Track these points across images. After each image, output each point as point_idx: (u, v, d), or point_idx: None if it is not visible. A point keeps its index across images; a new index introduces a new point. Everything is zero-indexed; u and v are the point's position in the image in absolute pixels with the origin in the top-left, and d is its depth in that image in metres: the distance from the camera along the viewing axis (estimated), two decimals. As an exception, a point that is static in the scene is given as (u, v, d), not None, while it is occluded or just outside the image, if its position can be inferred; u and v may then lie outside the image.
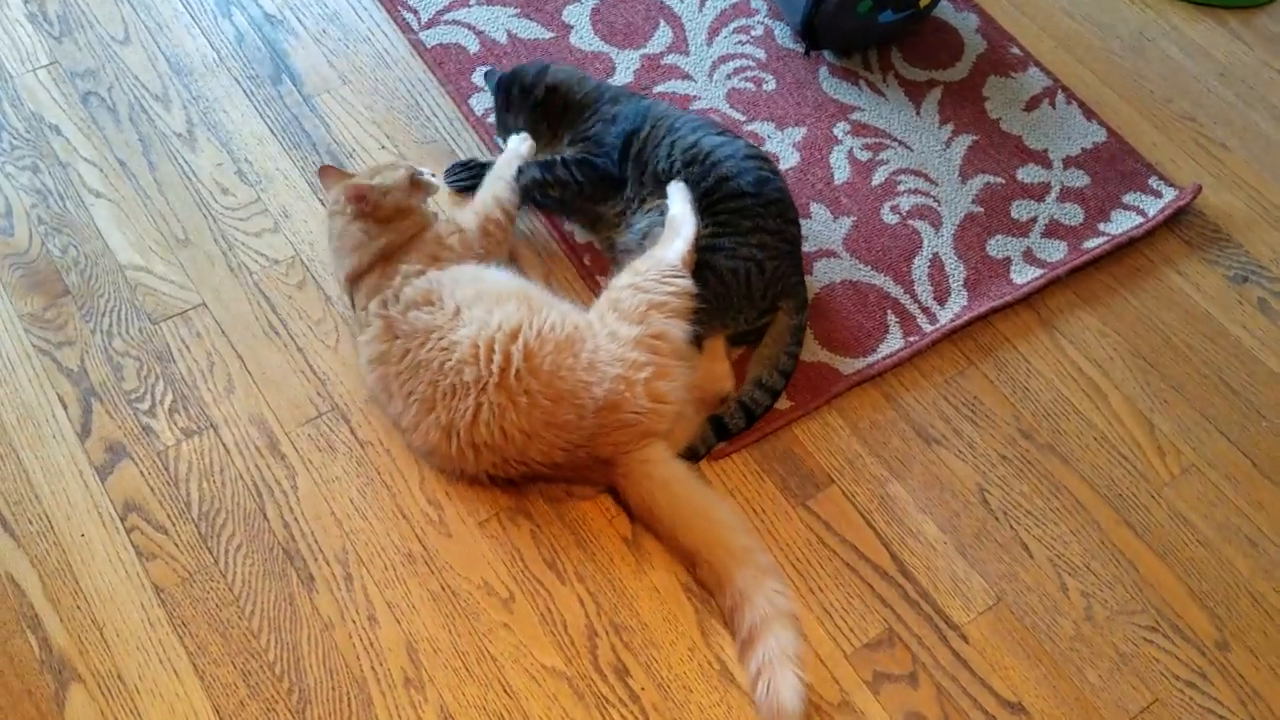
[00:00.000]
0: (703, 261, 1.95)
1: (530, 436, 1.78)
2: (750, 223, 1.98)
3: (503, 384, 1.77)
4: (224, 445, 1.93)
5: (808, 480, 1.95)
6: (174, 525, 1.86)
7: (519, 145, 2.14)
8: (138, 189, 2.21)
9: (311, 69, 2.40)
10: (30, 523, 1.85)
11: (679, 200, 1.98)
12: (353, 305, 1.98)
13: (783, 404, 2.02)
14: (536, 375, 1.78)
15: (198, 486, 1.89)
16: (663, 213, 2.00)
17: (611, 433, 1.80)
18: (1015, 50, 2.52)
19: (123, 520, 1.86)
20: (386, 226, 1.94)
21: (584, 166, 2.08)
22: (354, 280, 1.95)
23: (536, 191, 2.11)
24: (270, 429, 1.95)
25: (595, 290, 2.11)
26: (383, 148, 2.29)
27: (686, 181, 2.01)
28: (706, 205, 1.99)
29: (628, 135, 2.10)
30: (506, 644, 1.77)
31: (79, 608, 1.78)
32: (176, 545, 1.84)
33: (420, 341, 1.84)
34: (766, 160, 2.08)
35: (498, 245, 2.03)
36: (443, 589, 1.82)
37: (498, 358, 1.78)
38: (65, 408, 1.96)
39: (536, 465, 1.83)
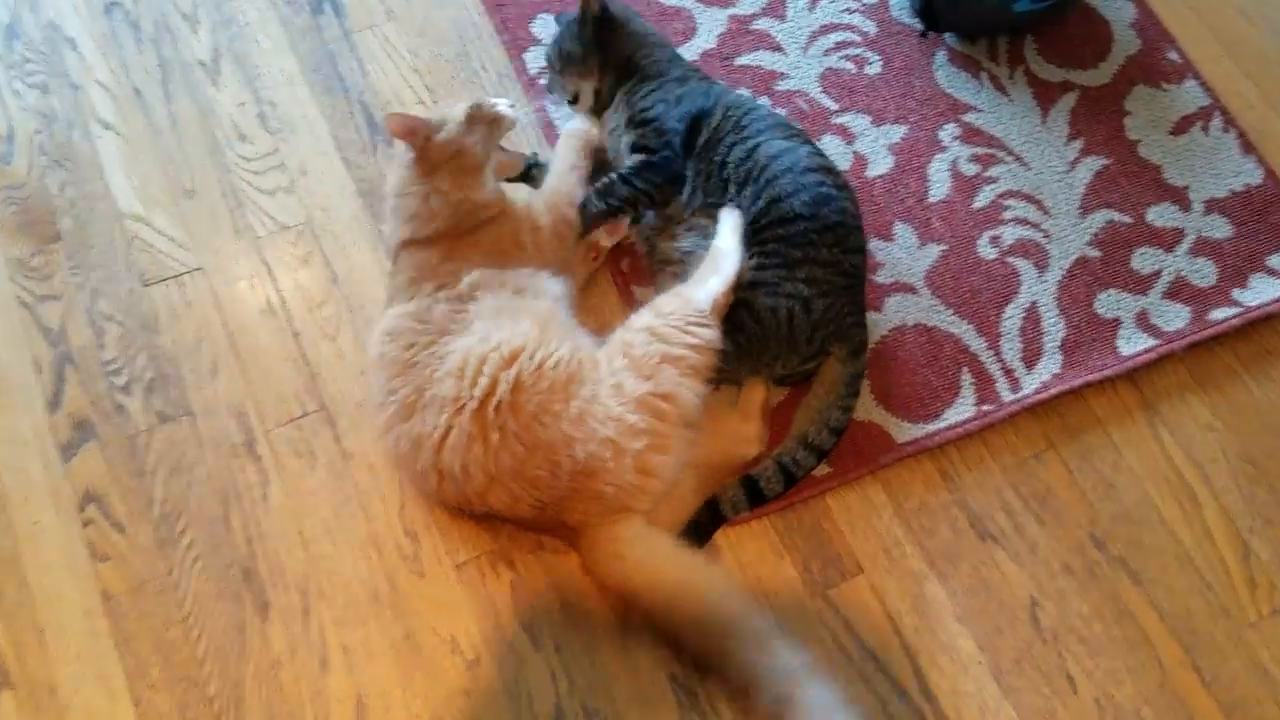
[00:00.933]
0: (740, 300, 1.68)
1: (493, 481, 1.56)
2: (800, 252, 1.69)
3: (479, 412, 1.55)
4: (199, 437, 1.77)
5: (833, 565, 1.71)
6: (132, 524, 1.71)
7: (581, 126, 1.89)
8: (150, 124, 2.00)
9: (357, -2, 2.14)
10: (-16, 501, 1.73)
11: (727, 230, 1.70)
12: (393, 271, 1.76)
13: (819, 469, 1.76)
14: (517, 413, 1.55)
15: (163, 482, 1.74)
16: (708, 236, 1.73)
17: (583, 501, 1.57)
18: (1173, 55, 2.11)
19: (80, 511, 1.72)
20: (448, 189, 1.67)
21: (648, 172, 1.81)
22: (406, 247, 1.72)
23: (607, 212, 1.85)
24: (249, 424, 1.78)
25: (628, 300, 1.86)
26: (420, 102, 2.04)
27: (740, 197, 1.73)
28: (754, 231, 1.71)
29: (694, 118, 1.81)
30: (463, 715, 1.60)
31: (22, 604, 1.66)
32: (132, 547, 1.70)
33: (425, 344, 1.62)
34: (831, 173, 1.77)
35: (565, 251, 1.78)
36: (405, 638, 1.65)
37: (484, 381, 1.55)
38: (39, 372, 1.81)
39: (499, 512, 1.62)
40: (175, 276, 1.88)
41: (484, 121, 1.72)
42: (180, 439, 1.77)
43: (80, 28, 2.08)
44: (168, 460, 1.75)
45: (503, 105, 1.75)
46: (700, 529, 1.68)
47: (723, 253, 1.68)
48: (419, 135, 1.67)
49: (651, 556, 1.58)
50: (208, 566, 1.68)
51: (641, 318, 1.64)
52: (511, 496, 1.57)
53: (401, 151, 1.72)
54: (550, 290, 1.71)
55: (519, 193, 1.81)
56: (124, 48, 2.07)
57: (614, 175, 1.82)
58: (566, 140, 1.87)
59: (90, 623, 1.65)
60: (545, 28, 2.10)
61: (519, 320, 1.62)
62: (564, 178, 1.82)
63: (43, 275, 1.88)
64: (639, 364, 1.58)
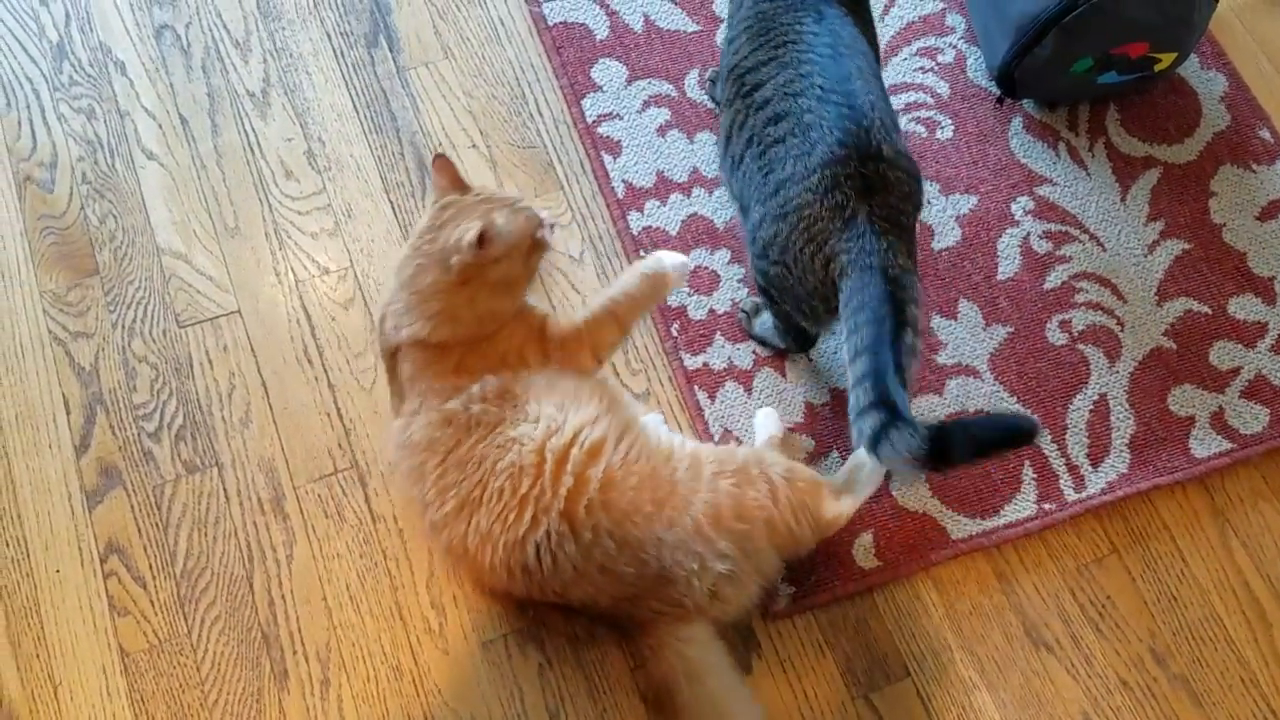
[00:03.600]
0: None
1: (581, 576, 1.47)
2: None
3: (569, 512, 1.45)
4: (225, 490, 1.71)
5: (878, 667, 1.63)
6: (154, 579, 1.66)
7: (666, 262, 1.63)
8: (195, 156, 1.95)
9: (413, 33, 2.06)
10: (7, 546, 1.68)
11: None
12: (392, 370, 1.59)
13: (868, 562, 1.68)
14: (609, 510, 1.45)
15: (187, 536, 1.69)
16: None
17: (656, 602, 1.48)
18: (1264, 133, 2.00)
19: (103, 562, 1.67)
20: (484, 300, 1.51)
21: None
22: (414, 346, 1.55)
23: None
24: (279, 480, 1.72)
25: (678, 370, 1.78)
26: (472, 146, 1.97)
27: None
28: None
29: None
30: (482, 805, 1.54)
31: (38, 656, 1.62)
32: (152, 604, 1.65)
33: (479, 436, 1.49)
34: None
35: (579, 371, 1.61)
36: (425, 718, 1.58)
37: (569, 479, 1.45)
38: (68, 413, 1.76)
39: (574, 603, 1.53)
40: (212, 319, 1.83)
41: (539, 249, 1.56)
42: (207, 491, 1.71)
43: (130, 51, 2.03)
44: (193, 513, 1.70)
45: (549, 228, 1.58)
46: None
47: (866, 468, 1.63)
48: (493, 245, 1.47)
49: (707, 669, 1.50)
50: (228, 628, 1.63)
51: (776, 464, 1.55)
52: (595, 589, 1.48)
53: (437, 244, 1.51)
54: None
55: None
56: (173, 74, 2.02)
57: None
58: (637, 269, 1.64)
59: (106, 680, 1.60)
60: (605, 73, 2.02)
61: (582, 397, 1.52)
62: (608, 305, 1.60)
63: (78, 311, 1.83)
64: (742, 506, 1.49)
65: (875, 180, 1.48)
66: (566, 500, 1.45)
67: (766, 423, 1.74)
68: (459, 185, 1.56)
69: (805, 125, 1.50)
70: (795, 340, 1.76)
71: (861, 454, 1.62)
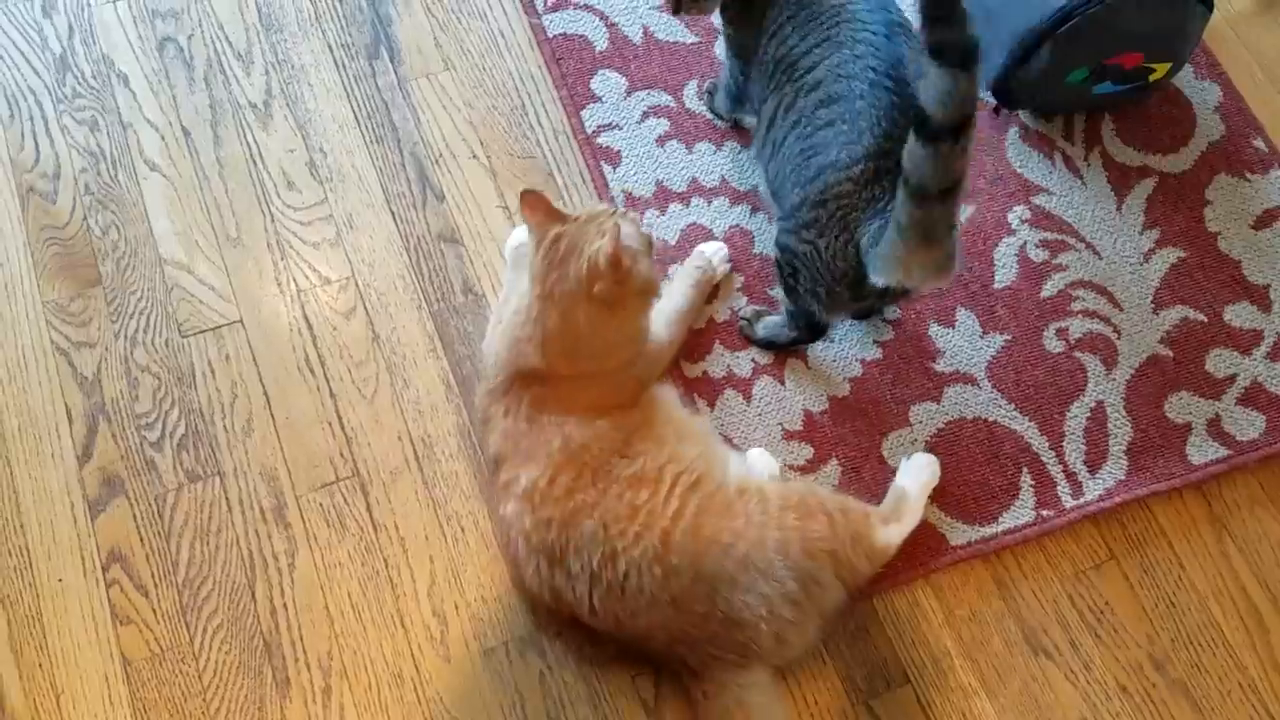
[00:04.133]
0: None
1: (653, 605, 1.47)
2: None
3: (667, 532, 1.47)
4: (227, 499, 1.72)
5: (878, 673, 1.63)
6: (156, 587, 1.67)
7: (704, 251, 1.82)
8: (197, 167, 1.96)
9: (414, 45, 2.08)
10: (10, 556, 1.68)
11: (920, 475, 1.70)
12: (511, 382, 1.59)
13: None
14: (695, 537, 1.47)
15: (189, 545, 1.69)
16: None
17: (717, 648, 1.49)
18: (1259, 143, 2.02)
19: (105, 571, 1.67)
20: (638, 307, 1.59)
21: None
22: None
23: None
24: (280, 489, 1.73)
25: (677, 379, 1.79)
26: (473, 156, 1.98)
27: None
28: None
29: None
30: (484, 812, 1.54)
31: (41, 665, 1.62)
32: (154, 612, 1.65)
33: (618, 452, 1.54)
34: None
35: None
36: (427, 726, 1.59)
37: (675, 503, 1.49)
38: (71, 423, 1.77)
39: (628, 635, 1.52)
40: (214, 328, 1.84)
41: (651, 244, 1.61)
42: (209, 500, 1.72)
43: (133, 63, 2.04)
44: (195, 522, 1.71)
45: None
46: None
47: (910, 498, 1.65)
48: (623, 269, 1.49)
49: (768, 711, 1.51)
50: (230, 637, 1.64)
51: (827, 497, 1.57)
52: (657, 624, 1.48)
53: (570, 278, 1.51)
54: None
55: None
56: (176, 86, 2.03)
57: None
58: (684, 271, 1.78)
59: (109, 688, 1.61)
60: (605, 84, 2.04)
61: (690, 441, 1.58)
62: (677, 329, 1.76)
63: (80, 321, 1.84)
64: (808, 541, 1.50)
65: None
66: (671, 519, 1.47)
67: (759, 462, 1.72)
68: (556, 216, 1.56)
69: (856, 112, 1.50)
70: (806, 328, 1.77)
71: (903, 482, 1.67)
